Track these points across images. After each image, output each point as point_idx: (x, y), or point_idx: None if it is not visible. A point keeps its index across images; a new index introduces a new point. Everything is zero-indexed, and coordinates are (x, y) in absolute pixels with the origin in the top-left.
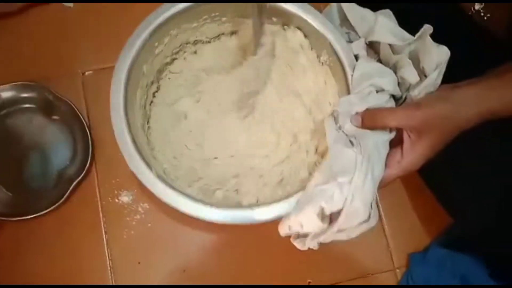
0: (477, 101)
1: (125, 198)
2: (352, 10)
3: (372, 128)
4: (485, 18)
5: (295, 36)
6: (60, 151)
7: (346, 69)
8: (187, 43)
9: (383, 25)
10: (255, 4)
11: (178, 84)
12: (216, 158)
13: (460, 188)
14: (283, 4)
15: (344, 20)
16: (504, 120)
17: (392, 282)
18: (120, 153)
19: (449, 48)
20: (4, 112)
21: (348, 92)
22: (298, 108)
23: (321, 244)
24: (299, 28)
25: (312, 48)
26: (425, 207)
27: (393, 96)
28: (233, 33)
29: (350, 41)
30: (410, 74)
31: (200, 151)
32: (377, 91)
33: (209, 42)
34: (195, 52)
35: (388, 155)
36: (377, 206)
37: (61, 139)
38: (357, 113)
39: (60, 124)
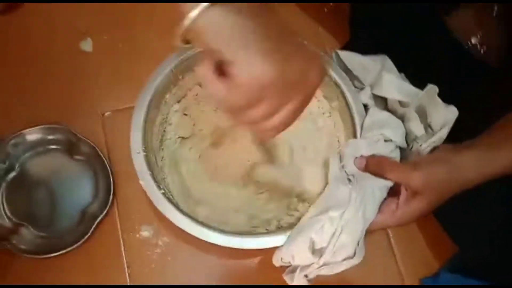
0: (478, 165)
1: (145, 232)
2: (351, 59)
3: (373, 174)
4: (482, 51)
5: None
6: (83, 190)
7: (354, 115)
8: None
9: (389, 82)
10: None
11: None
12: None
13: (457, 218)
14: None
15: (346, 69)
16: None
17: None
18: (140, 190)
19: (450, 84)
20: (32, 153)
21: (355, 136)
22: None
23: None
24: None
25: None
26: (434, 234)
27: (400, 148)
28: None
29: (356, 87)
30: (416, 128)
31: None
32: (385, 140)
33: None
34: None
35: (384, 203)
36: (387, 234)
37: (84, 178)
38: (362, 156)
39: (83, 164)
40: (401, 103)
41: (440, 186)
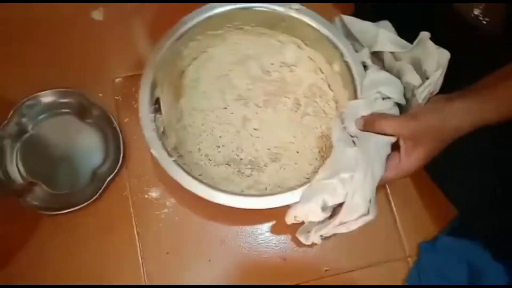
0: (468, 112)
1: (153, 194)
2: (354, 24)
3: (372, 132)
4: (484, 22)
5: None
6: (94, 152)
7: (354, 77)
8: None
9: (384, 36)
10: None
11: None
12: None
13: (455, 178)
14: (298, 16)
15: (348, 32)
16: None
17: (404, 269)
18: (148, 153)
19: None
20: (46, 115)
21: (356, 97)
22: None
23: (324, 239)
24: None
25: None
26: (433, 200)
27: (398, 104)
28: None
29: (355, 51)
30: (413, 78)
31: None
32: (383, 98)
33: None
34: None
35: (389, 157)
36: (388, 200)
37: (95, 140)
38: (362, 116)
39: (94, 127)
40: (396, 58)
41: (434, 133)
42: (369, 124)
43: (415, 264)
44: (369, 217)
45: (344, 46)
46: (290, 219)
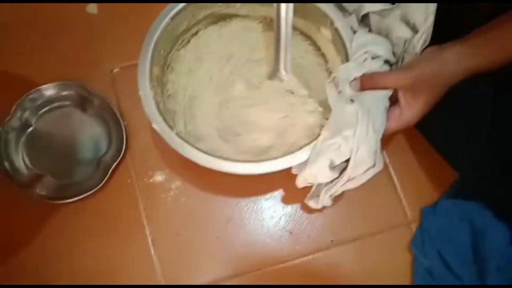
0: (461, 58)
1: (158, 177)
2: None
3: (371, 89)
4: None
5: None
6: (97, 141)
7: (345, 44)
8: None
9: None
10: None
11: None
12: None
13: (451, 140)
14: None
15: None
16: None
17: (408, 235)
18: (151, 139)
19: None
20: (48, 108)
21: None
22: None
23: (334, 201)
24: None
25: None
26: (433, 165)
27: (388, 62)
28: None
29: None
30: (403, 31)
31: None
32: (372, 58)
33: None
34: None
35: (389, 110)
36: (387, 165)
37: (98, 130)
38: (355, 78)
39: (96, 117)
40: (382, 17)
41: (431, 80)
42: (368, 81)
43: (418, 228)
44: (377, 169)
45: (333, 13)
46: (300, 182)
